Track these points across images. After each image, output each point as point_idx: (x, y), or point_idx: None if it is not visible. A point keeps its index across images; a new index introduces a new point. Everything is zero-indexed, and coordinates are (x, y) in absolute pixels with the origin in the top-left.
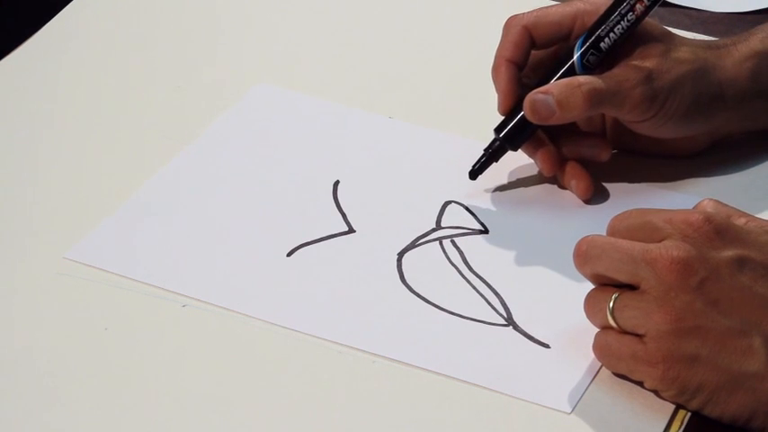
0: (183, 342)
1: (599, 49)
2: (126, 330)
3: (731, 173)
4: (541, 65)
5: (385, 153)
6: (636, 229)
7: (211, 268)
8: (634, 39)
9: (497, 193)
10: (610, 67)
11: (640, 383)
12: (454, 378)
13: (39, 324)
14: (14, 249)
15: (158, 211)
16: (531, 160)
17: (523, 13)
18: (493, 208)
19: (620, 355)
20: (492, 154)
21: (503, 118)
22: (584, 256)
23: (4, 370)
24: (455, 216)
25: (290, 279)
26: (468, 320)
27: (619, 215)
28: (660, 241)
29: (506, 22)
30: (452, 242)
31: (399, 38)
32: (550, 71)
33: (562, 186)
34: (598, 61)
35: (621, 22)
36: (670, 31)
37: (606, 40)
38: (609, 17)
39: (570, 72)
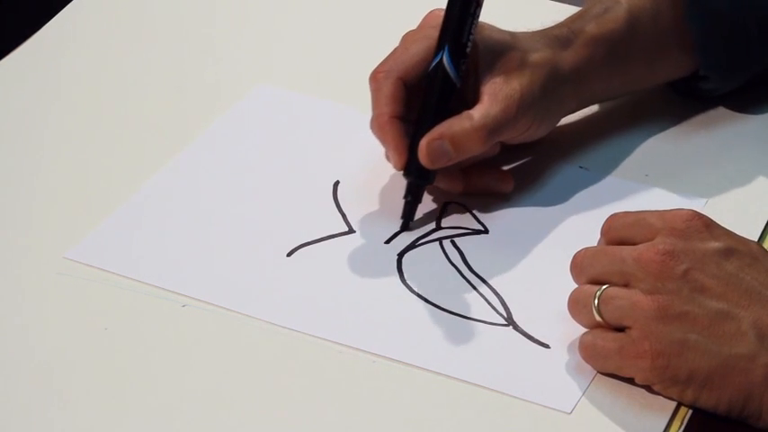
0: (183, 342)
1: (465, 55)
2: (126, 330)
3: (730, 173)
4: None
5: (385, 153)
6: (630, 225)
7: (211, 268)
8: (484, 46)
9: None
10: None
11: (632, 381)
12: (454, 378)
13: (39, 324)
14: (14, 249)
15: (158, 211)
16: (530, 161)
17: (387, 63)
18: (493, 208)
19: (608, 351)
20: (414, 198)
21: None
22: (579, 267)
23: (4, 370)
24: (455, 216)
25: (290, 279)
26: (468, 320)
27: (615, 214)
28: (652, 239)
29: (373, 76)
30: (452, 242)
31: (399, 38)
32: (428, 98)
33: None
34: (466, 66)
35: (474, 21)
36: (512, 33)
37: (469, 43)
38: (463, 20)
39: (448, 90)
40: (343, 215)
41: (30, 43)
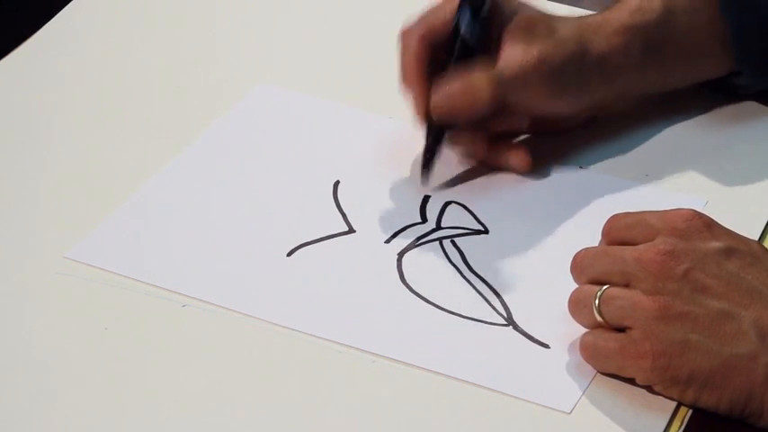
0: (183, 342)
1: (483, 13)
2: (126, 330)
3: (730, 173)
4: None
5: (385, 153)
6: (631, 226)
7: (211, 268)
8: (511, 12)
9: (497, 193)
10: (489, 33)
11: (633, 381)
12: (454, 378)
13: (39, 324)
14: (15, 249)
15: (158, 211)
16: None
17: (413, 22)
18: (493, 208)
19: (608, 351)
20: (434, 140)
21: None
22: (580, 267)
23: (4, 370)
24: (455, 216)
25: (290, 279)
26: (468, 320)
27: (615, 215)
28: (652, 239)
29: (401, 35)
30: (452, 242)
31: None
32: (449, 57)
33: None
34: (484, 28)
35: None
36: (545, 12)
37: (486, 1)
38: None
39: (467, 50)
40: (344, 215)
41: (30, 43)
